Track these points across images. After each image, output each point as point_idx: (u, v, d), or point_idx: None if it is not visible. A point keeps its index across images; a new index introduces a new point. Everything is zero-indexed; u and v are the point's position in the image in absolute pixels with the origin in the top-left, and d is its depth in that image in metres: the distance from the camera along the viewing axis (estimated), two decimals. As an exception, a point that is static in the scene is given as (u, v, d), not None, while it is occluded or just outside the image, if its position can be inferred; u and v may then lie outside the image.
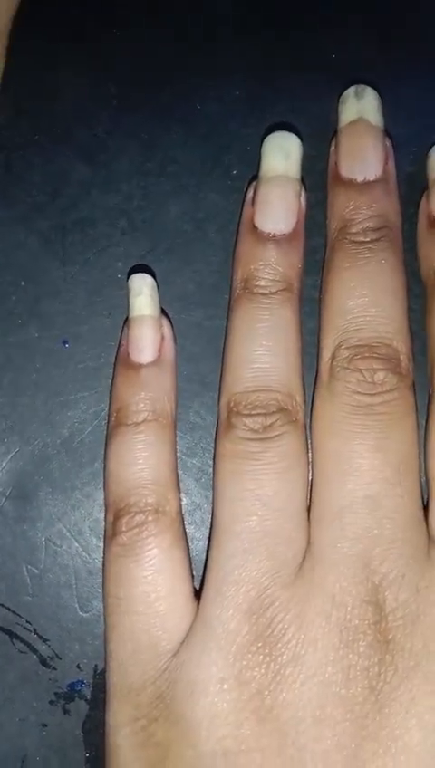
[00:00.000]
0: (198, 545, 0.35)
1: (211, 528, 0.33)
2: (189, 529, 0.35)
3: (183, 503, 0.35)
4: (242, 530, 0.32)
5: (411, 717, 0.30)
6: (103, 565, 0.34)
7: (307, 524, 0.32)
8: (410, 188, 0.35)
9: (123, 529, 0.33)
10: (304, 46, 0.36)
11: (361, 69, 0.35)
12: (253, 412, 0.32)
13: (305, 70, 0.36)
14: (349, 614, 0.31)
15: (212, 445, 0.35)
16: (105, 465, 0.34)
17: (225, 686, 0.31)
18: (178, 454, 0.35)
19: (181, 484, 0.35)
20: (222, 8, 0.36)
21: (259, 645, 0.31)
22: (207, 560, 0.33)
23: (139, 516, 0.32)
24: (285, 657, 0.31)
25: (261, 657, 0.31)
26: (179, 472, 0.35)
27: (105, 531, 0.34)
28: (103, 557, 0.34)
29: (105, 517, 0.34)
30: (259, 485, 0.32)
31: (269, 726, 0.30)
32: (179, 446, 0.35)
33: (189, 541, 0.35)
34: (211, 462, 0.34)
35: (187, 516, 0.35)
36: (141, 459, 0.33)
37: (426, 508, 0.33)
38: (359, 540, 0.31)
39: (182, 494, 0.35)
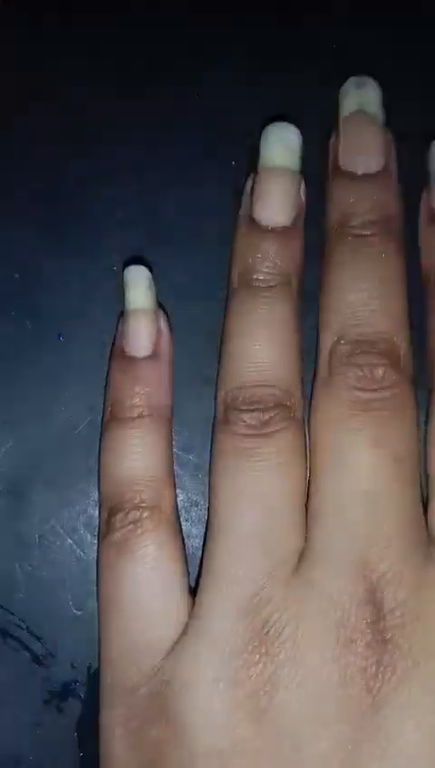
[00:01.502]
0: (195, 542, 0.34)
1: (207, 525, 0.33)
2: (186, 526, 0.34)
3: (179, 499, 0.34)
4: (238, 527, 0.31)
5: (409, 719, 0.29)
6: (97, 562, 0.33)
7: (304, 522, 0.32)
8: (411, 182, 0.34)
9: (117, 526, 0.32)
10: (305, 37, 0.36)
11: (363, 60, 0.35)
12: (250, 407, 0.32)
13: (307, 60, 0.36)
14: (347, 613, 0.30)
15: (210, 440, 0.34)
16: (99, 461, 0.34)
17: (220, 686, 0.30)
18: (174, 449, 0.34)
19: (178, 481, 0.34)
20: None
21: (255, 644, 0.30)
22: (202, 557, 0.33)
23: (133, 513, 0.32)
24: (281, 656, 0.30)
25: (257, 656, 0.30)
26: (176, 468, 0.34)
27: (99, 527, 0.33)
28: (97, 554, 0.33)
29: (99, 514, 0.33)
30: (256, 482, 0.31)
31: (265, 727, 0.30)
32: (176, 441, 0.35)
33: (186, 538, 0.34)
34: (208, 458, 0.34)
35: (183, 513, 0.34)
36: (136, 455, 0.33)
37: (426, 506, 0.32)
38: (356, 538, 0.30)
39: (178, 491, 0.34)
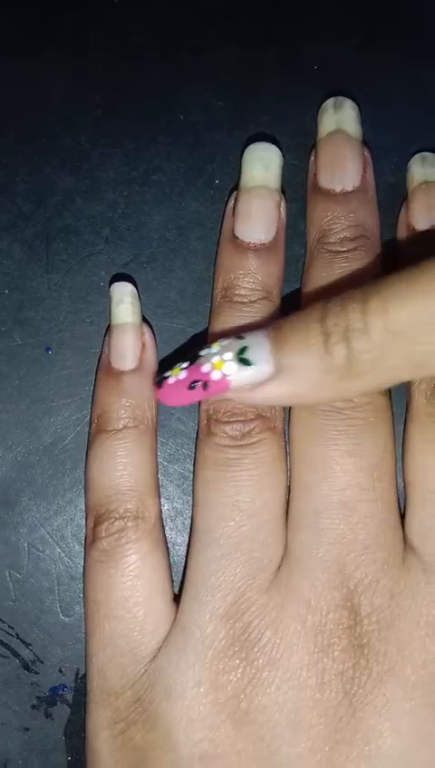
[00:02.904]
0: (179, 551, 0.35)
1: (191, 531, 0.34)
2: (170, 534, 0.35)
3: (164, 508, 0.35)
4: (219, 536, 0.32)
5: (385, 721, 0.30)
6: (84, 570, 0.34)
7: (284, 530, 0.33)
8: (391, 198, 0.35)
9: (103, 535, 0.33)
10: (287, 57, 0.37)
11: (343, 80, 0.36)
12: (232, 419, 0.33)
13: (289, 81, 0.36)
14: (324, 618, 0.31)
15: (193, 452, 0.35)
16: (86, 472, 0.34)
17: (201, 690, 0.31)
18: (160, 460, 0.35)
19: (163, 490, 0.35)
20: (207, 19, 0.37)
21: (236, 649, 0.31)
22: (185, 565, 0.34)
23: (118, 522, 0.33)
24: (260, 661, 0.31)
25: (237, 661, 0.31)
26: (161, 478, 0.35)
27: (85, 536, 0.34)
28: (84, 562, 0.34)
29: (85, 522, 0.34)
30: (237, 492, 0.32)
31: (245, 730, 0.30)
32: (161, 452, 0.35)
33: (171, 546, 0.35)
34: (192, 467, 0.35)
35: (168, 522, 0.35)
36: (121, 465, 0.33)
37: (402, 514, 0.33)
38: (334, 545, 0.31)
39: (164, 500, 0.35)
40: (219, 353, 0.29)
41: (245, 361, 0.29)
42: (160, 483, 0.35)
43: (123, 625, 0.32)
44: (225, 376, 0.29)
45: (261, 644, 0.31)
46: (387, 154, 0.36)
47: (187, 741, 0.31)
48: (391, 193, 0.35)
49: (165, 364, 0.35)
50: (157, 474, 0.35)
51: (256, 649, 0.31)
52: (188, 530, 0.35)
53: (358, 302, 0.27)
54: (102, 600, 0.33)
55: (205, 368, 0.29)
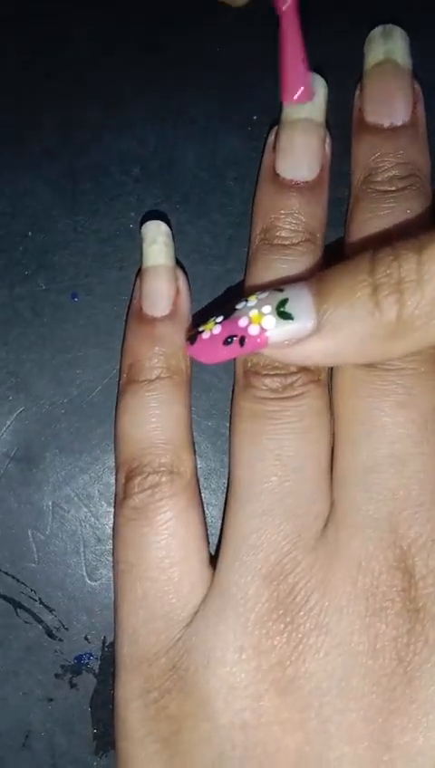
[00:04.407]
0: (214, 512, 0.33)
1: (227, 491, 0.32)
2: (204, 495, 0.33)
3: (199, 467, 0.33)
4: (261, 491, 0.30)
5: (442, 691, 0.28)
6: (114, 529, 0.32)
7: (330, 486, 0.31)
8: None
9: (135, 490, 0.31)
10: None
11: (392, 7, 0.33)
12: (272, 372, 0.31)
13: (332, 12, 0.34)
14: (376, 580, 0.29)
15: (229, 407, 0.33)
16: (116, 424, 0.32)
17: (243, 656, 0.29)
18: (193, 416, 0.33)
19: (196, 447, 0.33)
20: None
21: (280, 612, 0.29)
22: (223, 525, 0.31)
23: (152, 477, 0.31)
24: (307, 625, 0.29)
25: (282, 625, 0.29)
26: (194, 434, 0.33)
27: (116, 493, 0.32)
28: (114, 520, 0.32)
29: (116, 478, 0.32)
30: (279, 445, 0.30)
31: (290, 698, 0.28)
32: (195, 406, 0.33)
33: (205, 507, 0.33)
34: (228, 424, 0.33)
35: (202, 481, 0.33)
36: (154, 417, 0.31)
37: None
38: (385, 502, 0.29)
39: (198, 458, 0.33)
40: (257, 306, 0.27)
41: (285, 315, 0.27)
42: (194, 440, 0.33)
43: (157, 587, 0.30)
44: (263, 330, 0.27)
45: (308, 607, 0.29)
46: None
47: (226, 710, 0.29)
48: None
49: (199, 316, 0.33)
50: (191, 428, 0.33)
51: (302, 613, 0.29)
52: (223, 490, 0.33)
53: (413, 252, 0.25)
54: (135, 560, 0.31)
55: (242, 321, 0.27)
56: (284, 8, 0.29)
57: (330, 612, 0.29)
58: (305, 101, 0.31)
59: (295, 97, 0.31)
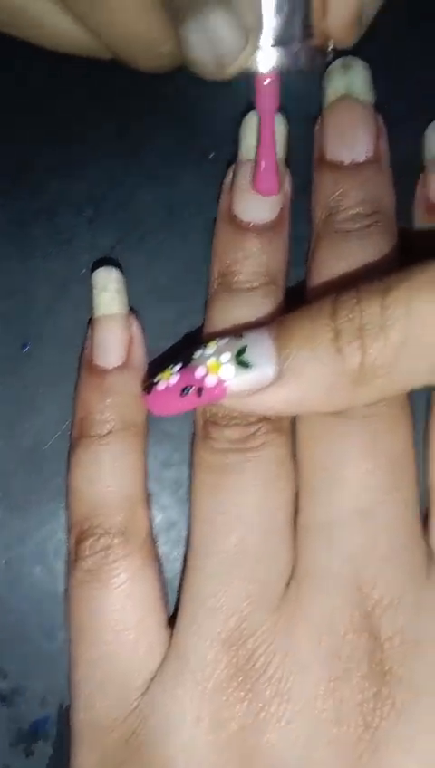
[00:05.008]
0: (175, 566, 0.32)
1: (187, 545, 0.30)
2: (164, 548, 0.32)
3: (158, 519, 0.32)
4: (220, 549, 0.29)
5: (411, 758, 0.27)
6: (66, 591, 0.30)
7: (293, 542, 0.29)
8: (405, 171, 0.32)
9: (87, 553, 0.29)
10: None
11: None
12: (231, 423, 0.29)
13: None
14: (340, 642, 0.28)
15: (189, 455, 0.32)
16: (67, 481, 0.31)
17: (202, 726, 0.28)
18: (151, 465, 0.32)
19: (155, 499, 0.32)
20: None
21: (240, 680, 0.28)
22: (180, 583, 0.30)
23: (104, 539, 0.29)
24: (268, 692, 0.27)
25: (242, 693, 0.28)
26: (153, 485, 0.32)
27: (67, 553, 0.31)
28: (66, 582, 0.31)
29: (67, 538, 0.31)
30: (240, 499, 0.29)
31: (252, 771, 0.27)
32: (153, 457, 0.32)
33: (165, 561, 0.32)
34: (189, 473, 0.31)
35: (161, 534, 0.32)
36: (107, 474, 0.30)
37: (425, 520, 0.30)
38: (350, 558, 0.28)
39: (157, 510, 0.32)
40: (215, 354, 0.26)
41: (244, 363, 0.26)
42: (152, 491, 0.32)
43: (112, 651, 0.29)
44: (221, 381, 0.26)
45: (268, 673, 0.28)
46: (401, 121, 0.32)
47: (185, 784, 0.27)
48: (405, 165, 0.32)
49: (156, 363, 0.32)
50: (146, 482, 0.31)
51: (262, 679, 0.28)
52: (185, 543, 0.31)
53: (376, 296, 0.24)
54: (88, 624, 0.29)
55: (199, 371, 0.26)
56: (264, 84, 0.28)
57: (292, 678, 0.28)
58: (272, 195, 0.30)
59: (263, 189, 0.30)
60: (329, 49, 0.25)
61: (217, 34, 0.22)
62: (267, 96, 0.28)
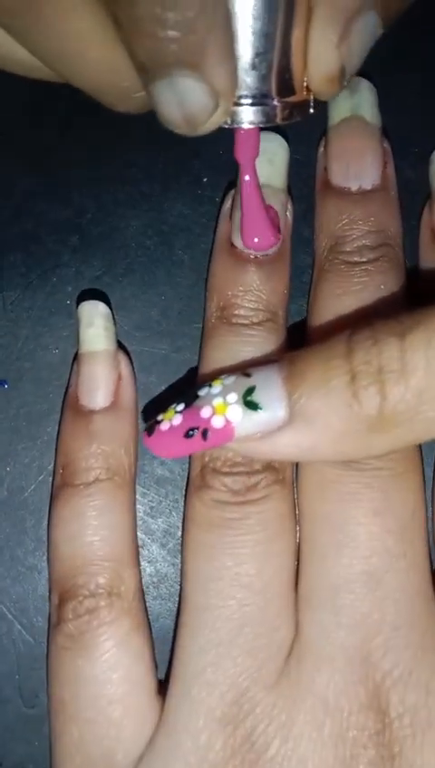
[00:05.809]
0: (165, 624, 0.30)
1: (180, 608, 0.28)
2: (154, 604, 0.30)
3: (147, 573, 0.30)
4: (216, 618, 0.27)
5: None
6: (47, 656, 0.28)
7: (295, 608, 0.27)
8: (410, 196, 0.31)
9: (69, 617, 0.27)
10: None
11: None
12: (233, 470, 0.27)
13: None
14: (345, 722, 0.26)
15: (182, 501, 0.30)
16: (49, 536, 0.29)
17: None
18: (140, 514, 0.30)
19: (144, 551, 0.30)
20: None
21: (236, 763, 0.26)
22: (174, 645, 0.28)
23: (88, 601, 0.28)
24: (268, 778, 0.25)
25: (239, 777, 0.25)
26: (142, 536, 0.30)
27: (49, 614, 0.29)
28: (47, 646, 0.29)
29: (49, 598, 0.29)
30: (238, 562, 0.27)
31: None
32: (142, 504, 0.30)
33: (154, 619, 0.30)
34: (181, 522, 0.30)
35: (151, 590, 0.30)
36: (91, 530, 0.28)
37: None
38: (356, 627, 0.26)
39: (145, 563, 0.30)
40: (222, 394, 0.24)
41: (252, 405, 0.24)
42: (141, 542, 0.30)
43: (95, 729, 0.27)
44: (229, 422, 0.24)
45: (268, 756, 0.26)
46: (406, 144, 0.31)
47: None
48: (410, 190, 0.31)
49: (145, 398, 0.30)
50: (135, 536, 0.29)
51: (261, 763, 0.26)
52: (176, 598, 0.30)
53: (395, 337, 0.22)
54: (69, 698, 0.27)
55: (204, 412, 0.24)
56: (241, 134, 0.26)
57: (293, 762, 0.26)
58: (264, 250, 0.29)
59: (253, 243, 0.29)
60: (311, 103, 0.23)
61: (185, 98, 0.21)
62: (247, 146, 0.26)
